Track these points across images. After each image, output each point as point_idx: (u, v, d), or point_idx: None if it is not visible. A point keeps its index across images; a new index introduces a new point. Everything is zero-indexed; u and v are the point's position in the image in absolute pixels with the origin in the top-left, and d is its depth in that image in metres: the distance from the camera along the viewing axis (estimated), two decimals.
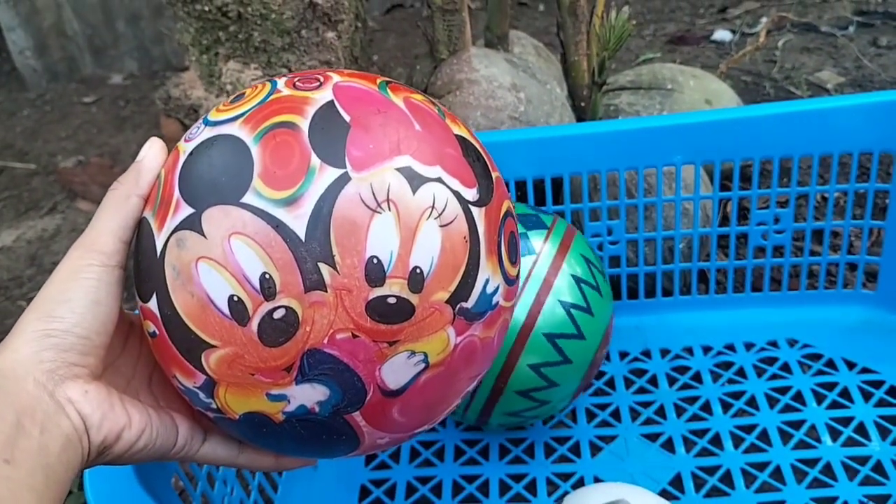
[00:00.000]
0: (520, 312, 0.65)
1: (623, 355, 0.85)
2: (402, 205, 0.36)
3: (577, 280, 0.67)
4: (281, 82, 0.40)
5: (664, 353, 0.85)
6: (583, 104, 0.98)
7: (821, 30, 1.54)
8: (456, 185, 0.38)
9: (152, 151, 0.40)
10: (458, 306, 0.37)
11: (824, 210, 0.99)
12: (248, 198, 0.35)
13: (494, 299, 0.39)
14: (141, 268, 0.38)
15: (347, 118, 0.37)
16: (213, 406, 0.38)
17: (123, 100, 1.81)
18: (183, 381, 0.38)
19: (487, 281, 0.38)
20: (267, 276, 0.34)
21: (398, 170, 0.36)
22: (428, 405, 0.39)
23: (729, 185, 0.83)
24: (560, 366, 0.66)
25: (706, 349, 0.84)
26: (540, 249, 0.67)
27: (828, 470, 0.69)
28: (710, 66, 1.43)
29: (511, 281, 0.41)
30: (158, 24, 1.89)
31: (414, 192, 0.36)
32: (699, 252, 0.86)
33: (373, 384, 0.36)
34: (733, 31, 1.61)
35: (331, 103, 0.37)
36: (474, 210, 0.38)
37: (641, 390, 0.80)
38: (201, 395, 0.38)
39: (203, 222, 0.35)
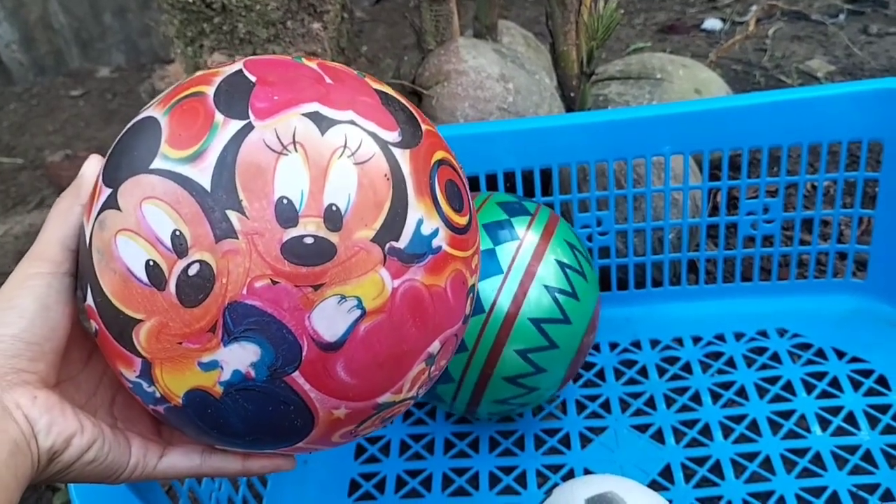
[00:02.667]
0: (505, 298, 0.65)
1: (613, 346, 0.85)
2: (310, 145, 0.35)
3: (562, 265, 0.67)
4: (199, 71, 0.40)
5: (654, 343, 0.84)
6: (572, 94, 0.97)
7: (811, 18, 1.54)
8: (372, 127, 0.37)
9: (91, 165, 0.41)
10: (388, 245, 0.36)
11: (814, 199, 0.99)
12: (157, 163, 0.35)
13: (434, 243, 0.37)
14: (80, 268, 0.38)
15: (253, 79, 0.37)
16: (158, 394, 0.37)
17: (111, 93, 1.80)
18: (126, 375, 0.37)
19: (421, 221, 0.37)
20: (177, 232, 0.34)
21: (305, 115, 0.36)
22: (378, 361, 0.37)
23: (718, 175, 0.83)
24: (547, 351, 0.66)
25: (696, 339, 0.84)
26: (523, 236, 0.67)
27: (817, 459, 0.69)
28: (701, 55, 1.42)
29: (459, 229, 0.39)
30: (145, 16, 1.88)
31: (322, 133, 0.35)
32: (689, 242, 0.86)
33: (305, 336, 0.34)
34: (724, 20, 1.60)
35: (239, 71, 0.38)
36: (396, 150, 0.37)
37: (631, 381, 0.80)
38: (144, 385, 0.37)
39: (118, 197, 0.35)
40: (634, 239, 0.86)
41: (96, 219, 0.36)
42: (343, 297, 0.35)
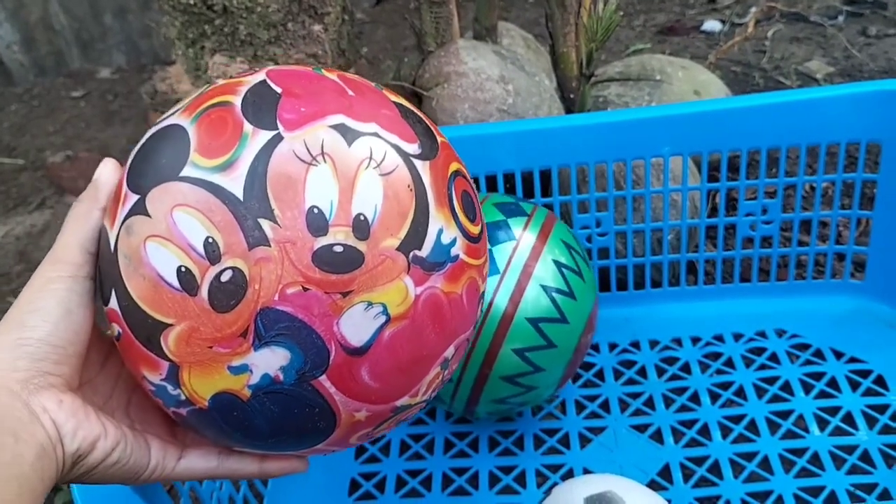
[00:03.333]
0: (502, 298, 0.65)
1: (612, 346, 0.85)
2: (338, 157, 0.36)
3: (559, 265, 0.68)
4: (220, 80, 0.41)
5: (653, 344, 0.85)
6: (572, 96, 0.98)
7: (810, 19, 1.54)
8: (394, 139, 0.38)
9: (107, 168, 0.41)
10: (412, 254, 0.37)
11: (812, 200, 0.99)
12: (187, 171, 0.35)
13: (453, 251, 0.39)
14: (101, 271, 0.39)
15: (279, 90, 0.38)
16: (182, 397, 0.37)
17: (112, 94, 1.80)
18: (150, 378, 0.38)
19: (441, 231, 0.38)
20: (210, 239, 0.34)
21: (332, 127, 0.37)
22: (400, 366, 0.38)
23: (717, 176, 0.83)
24: (545, 350, 0.67)
25: (695, 340, 0.85)
26: (520, 236, 0.68)
27: (815, 459, 0.70)
28: (700, 57, 1.43)
29: (473, 238, 0.41)
30: (146, 17, 1.88)
31: (349, 144, 0.36)
32: (688, 243, 0.86)
33: (333, 341, 0.36)
34: (723, 22, 1.60)
35: (263, 81, 0.39)
36: (417, 162, 0.38)
37: (630, 381, 0.81)
38: (169, 388, 0.37)
39: (147, 204, 0.36)
40: (633, 240, 0.87)
41: (122, 224, 0.37)
42: (370, 304, 0.36)
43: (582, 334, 0.69)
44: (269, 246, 0.34)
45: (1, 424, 0.33)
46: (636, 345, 0.85)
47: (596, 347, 0.85)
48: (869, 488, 0.66)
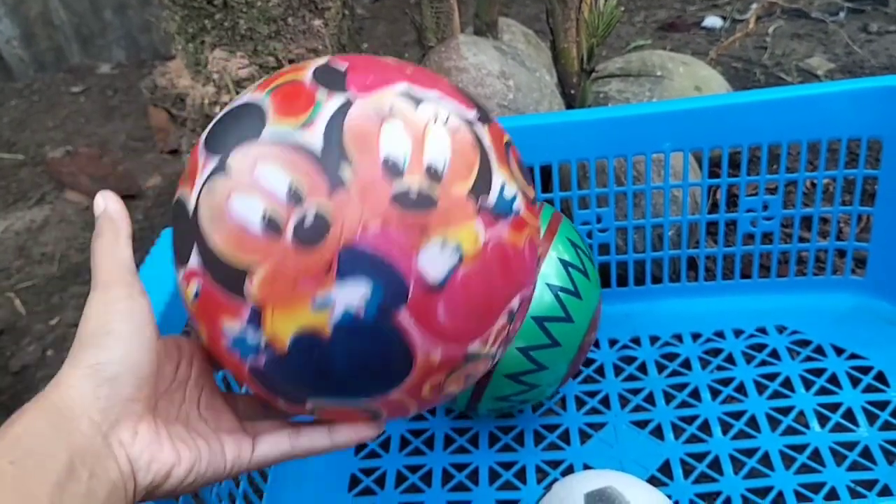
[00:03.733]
0: None
1: (612, 343, 0.85)
2: (407, 116, 0.39)
3: (565, 264, 0.67)
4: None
5: (653, 340, 0.85)
6: (572, 91, 0.97)
7: (811, 16, 1.54)
8: (455, 105, 0.41)
9: (111, 201, 0.41)
10: (480, 199, 0.39)
11: (813, 196, 0.99)
12: (266, 132, 0.38)
13: (515, 206, 0.41)
14: (179, 239, 0.41)
15: (344, 67, 0.41)
16: (262, 343, 0.38)
17: (111, 89, 1.80)
18: (230, 327, 0.39)
19: (504, 185, 0.41)
20: (293, 185, 0.37)
21: (398, 94, 0.40)
22: (472, 307, 0.40)
23: (718, 172, 0.83)
24: (549, 349, 0.66)
25: (695, 336, 0.85)
26: None
27: (816, 456, 0.70)
28: (701, 53, 1.43)
29: (531, 199, 0.44)
30: (146, 12, 1.88)
31: (416, 107, 0.39)
32: (688, 239, 0.86)
33: (412, 276, 0.37)
34: (724, 18, 1.60)
35: (327, 63, 0.42)
36: (477, 125, 0.41)
37: (631, 377, 0.81)
38: (250, 334, 0.39)
39: (230, 162, 0.38)
40: (634, 236, 0.87)
41: (202, 188, 0.39)
42: (445, 242, 0.38)
43: (586, 333, 0.69)
44: (350, 188, 0.37)
45: (80, 457, 0.34)
46: (636, 341, 0.85)
47: (596, 343, 0.85)
48: (869, 484, 0.66)
